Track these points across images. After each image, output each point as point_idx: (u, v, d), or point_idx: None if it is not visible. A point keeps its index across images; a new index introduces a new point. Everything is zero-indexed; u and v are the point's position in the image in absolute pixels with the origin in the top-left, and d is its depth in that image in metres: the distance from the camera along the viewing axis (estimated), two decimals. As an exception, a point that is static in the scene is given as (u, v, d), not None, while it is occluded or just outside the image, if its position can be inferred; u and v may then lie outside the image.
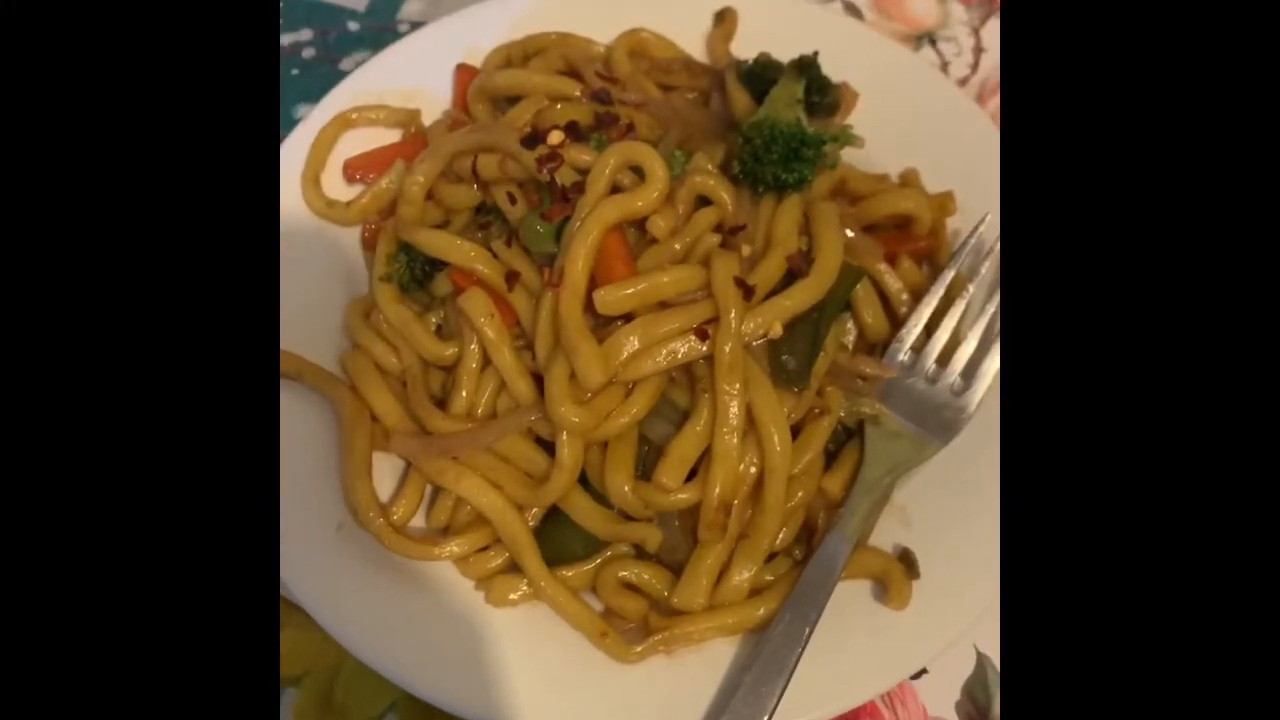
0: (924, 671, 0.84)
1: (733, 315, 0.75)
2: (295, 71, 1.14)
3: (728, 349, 0.75)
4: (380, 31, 1.17)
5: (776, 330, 0.77)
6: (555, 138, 0.82)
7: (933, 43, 1.17)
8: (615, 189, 0.80)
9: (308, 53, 1.16)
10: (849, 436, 0.85)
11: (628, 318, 0.77)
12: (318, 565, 0.78)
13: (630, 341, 0.75)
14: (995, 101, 1.14)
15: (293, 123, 0.98)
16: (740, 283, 0.76)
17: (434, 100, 1.00)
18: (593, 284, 0.77)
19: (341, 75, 1.00)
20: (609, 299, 0.75)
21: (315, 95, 0.98)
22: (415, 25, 1.16)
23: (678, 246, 0.79)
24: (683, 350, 0.76)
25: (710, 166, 0.83)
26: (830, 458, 0.84)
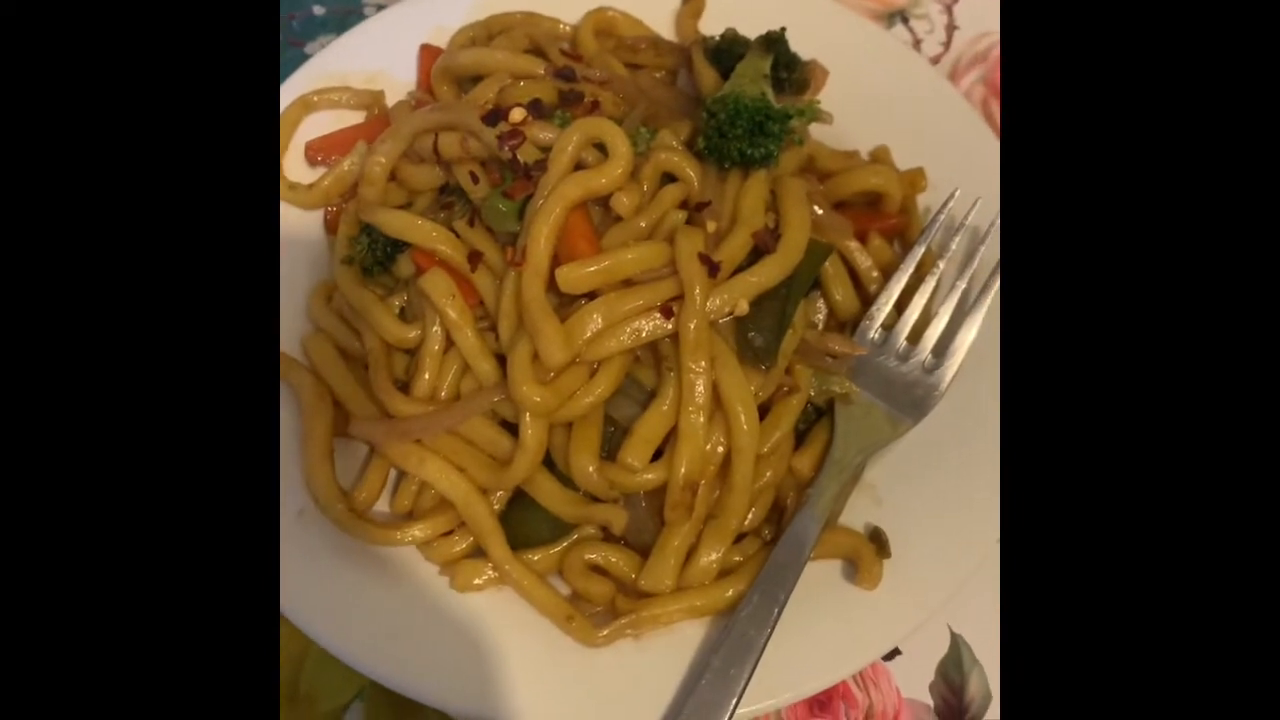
0: (897, 652, 0.83)
1: (697, 291, 0.73)
2: (260, 56, 1.13)
3: (693, 326, 0.74)
4: (346, 15, 1.16)
5: (742, 307, 0.76)
6: (517, 115, 0.81)
7: (905, 20, 1.16)
8: (579, 166, 0.79)
9: (272, 37, 1.14)
10: (819, 416, 0.84)
11: (591, 296, 0.75)
12: (279, 553, 0.76)
13: (594, 320, 0.74)
14: (968, 79, 1.13)
15: (256, 107, 0.96)
16: (705, 259, 0.75)
17: (398, 82, 0.98)
18: (556, 262, 0.76)
19: (306, 59, 0.98)
20: (571, 277, 0.74)
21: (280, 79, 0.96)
22: (381, 8, 1.14)
23: (643, 224, 0.78)
24: (647, 328, 0.75)
25: (675, 143, 0.82)
26: (800, 437, 0.83)
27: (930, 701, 0.82)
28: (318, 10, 1.17)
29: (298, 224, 0.91)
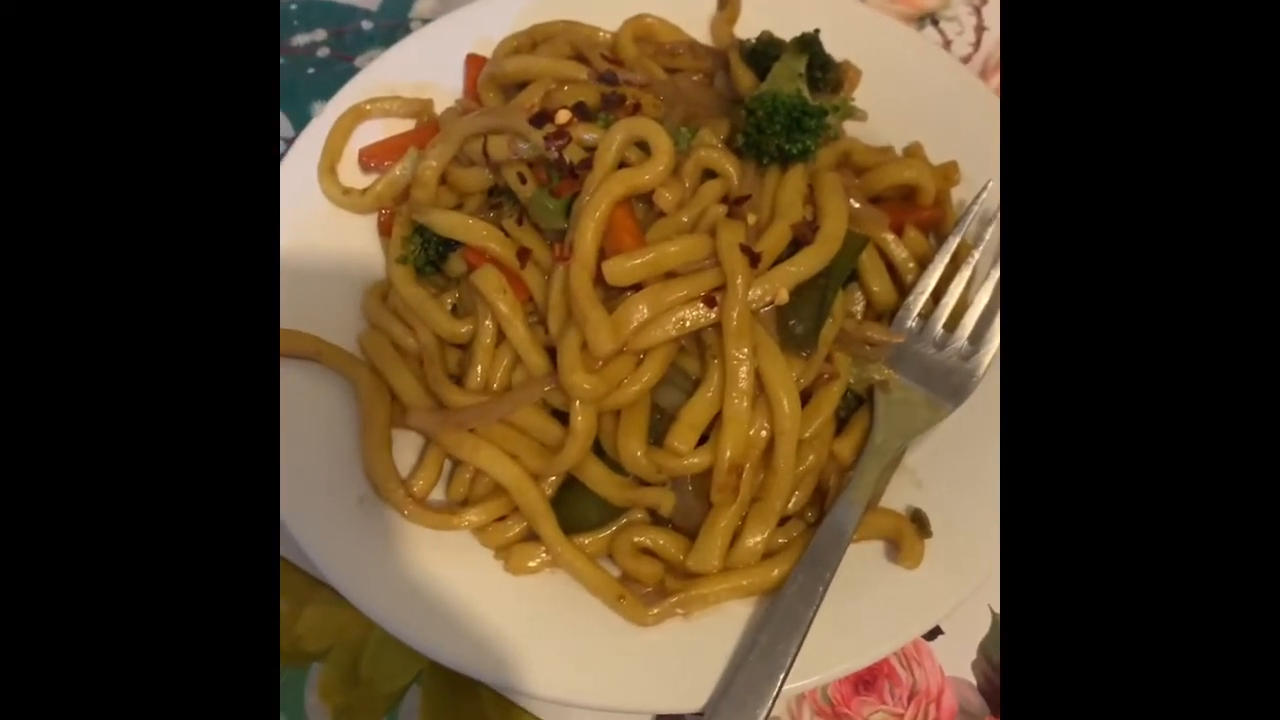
0: (940, 632, 0.85)
1: (739, 281, 0.76)
2: (311, 70, 1.17)
3: (735, 315, 0.76)
4: (393, 29, 1.20)
5: (783, 296, 0.78)
6: (563, 117, 0.84)
7: (935, 23, 1.19)
8: (622, 165, 0.82)
9: (323, 52, 1.19)
10: (859, 404, 0.86)
11: (637, 289, 0.78)
12: (341, 539, 0.79)
13: (640, 310, 0.77)
14: (998, 77, 1.15)
15: (309, 118, 1.01)
16: (746, 250, 0.77)
17: (445, 92, 1.02)
18: (602, 256, 0.79)
19: (356, 73, 1.02)
20: (618, 269, 0.77)
21: (331, 92, 1.00)
22: (427, 23, 1.18)
23: (685, 219, 0.81)
24: (691, 317, 0.77)
25: (715, 141, 0.85)
26: (841, 424, 0.85)
27: (973, 680, 0.84)
28: (366, 25, 1.21)
29: (353, 227, 0.94)
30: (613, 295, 0.79)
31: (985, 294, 0.87)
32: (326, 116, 0.98)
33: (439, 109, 1.01)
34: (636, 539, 0.79)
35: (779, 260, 0.80)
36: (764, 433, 0.78)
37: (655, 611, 0.76)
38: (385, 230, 0.94)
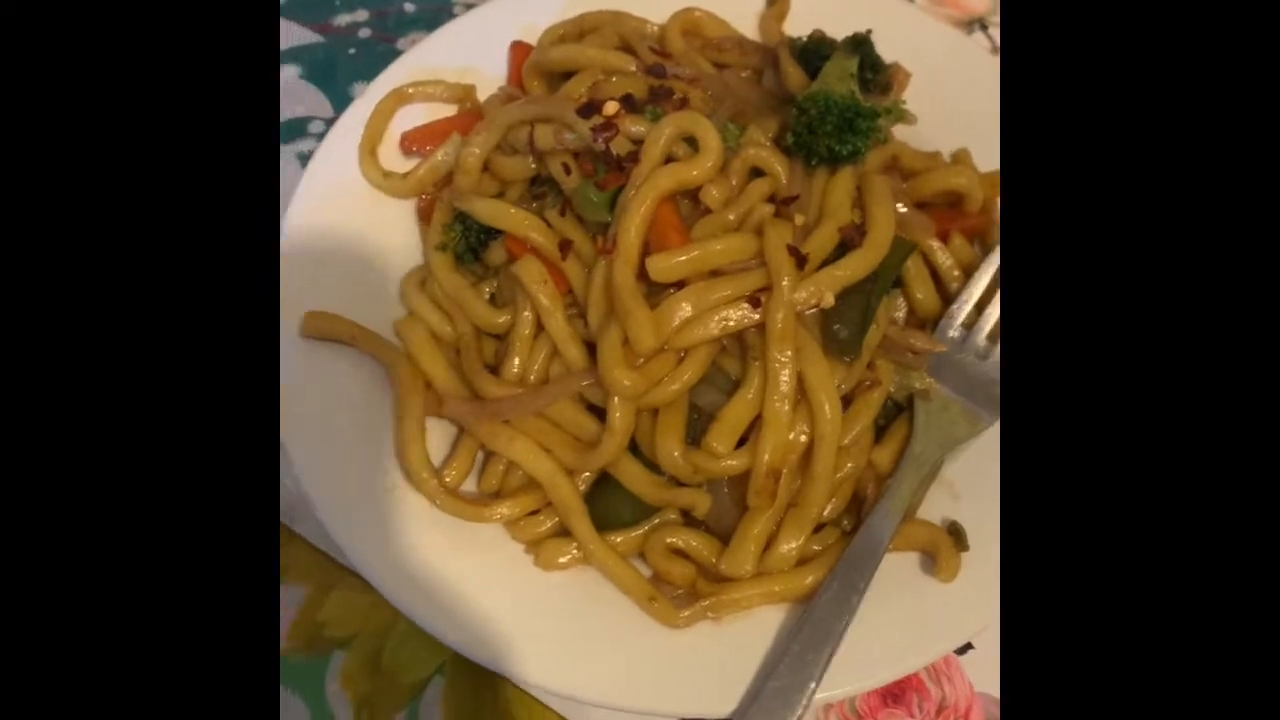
0: (970, 646, 0.84)
1: (785, 283, 0.75)
2: (352, 51, 1.16)
3: (780, 317, 0.75)
4: (436, 12, 1.19)
5: (828, 300, 0.77)
6: (611, 108, 0.83)
7: (984, 28, 1.17)
8: (669, 160, 0.80)
9: (364, 33, 1.18)
10: (899, 412, 0.85)
11: (680, 285, 0.77)
12: (370, 526, 0.79)
13: (683, 308, 0.76)
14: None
15: (349, 99, 1.00)
16: (793, 251, 0.76)
17: (487, 78, 1.01)
18: (646, 252, 0.77)
19: (398, 55, 1.01)
20: (662, 265, 0.76)
21: (371, 74, 1.00)
22: (470, 6, 1.17)
23: (731, 217, 0.80)
24: (735, 318, 0.76)
25: (764, 139, 0.84)
26: (880, 432, 0.84)
27: (1003, 697, 0.83)
28: (409, 7, 1.20)
29: (392, 212, 0.93)
30: (655, 291, 0.78)
31: (1031, 306, 0.85)
32: (368, 98, 0.97)
33: (481, 95, 1.00)
34: (669, 539, 0.78)
35: (825, 263, 0.79)
36: (803, 437, 0.77)
37: (686, 614, 0.75)
38: (424, 216, 0.93)
